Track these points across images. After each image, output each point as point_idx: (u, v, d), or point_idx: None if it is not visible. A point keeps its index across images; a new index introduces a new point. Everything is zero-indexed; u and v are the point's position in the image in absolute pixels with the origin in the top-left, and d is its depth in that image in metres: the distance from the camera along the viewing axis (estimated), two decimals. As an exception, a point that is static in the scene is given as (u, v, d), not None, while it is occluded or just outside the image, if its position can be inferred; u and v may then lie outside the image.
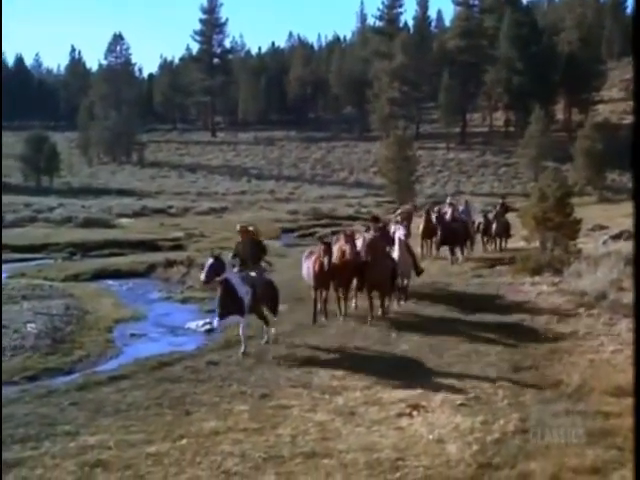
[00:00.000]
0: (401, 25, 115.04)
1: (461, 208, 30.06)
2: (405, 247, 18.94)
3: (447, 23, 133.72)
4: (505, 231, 30.97)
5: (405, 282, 19.61)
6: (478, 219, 31.10)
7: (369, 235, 18.02)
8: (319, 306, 17.69)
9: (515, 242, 30.07)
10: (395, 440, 9.66)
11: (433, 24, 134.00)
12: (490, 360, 13.69)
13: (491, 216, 31.20)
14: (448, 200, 30.50)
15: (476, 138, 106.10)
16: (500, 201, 33.97)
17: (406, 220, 21.41)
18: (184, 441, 9.65)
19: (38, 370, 13.88)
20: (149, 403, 11.40)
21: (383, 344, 15.31)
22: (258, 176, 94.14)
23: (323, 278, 17.29)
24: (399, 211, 23.39)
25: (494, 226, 30.47)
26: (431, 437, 9.72)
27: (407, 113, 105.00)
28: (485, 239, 31.29)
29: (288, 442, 9.63)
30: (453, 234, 27.16)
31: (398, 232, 18.72)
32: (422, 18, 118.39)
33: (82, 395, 11.91)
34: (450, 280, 23.31)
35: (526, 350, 14.52)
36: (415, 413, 10.74)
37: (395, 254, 18.44)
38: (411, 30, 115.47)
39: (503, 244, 31.12)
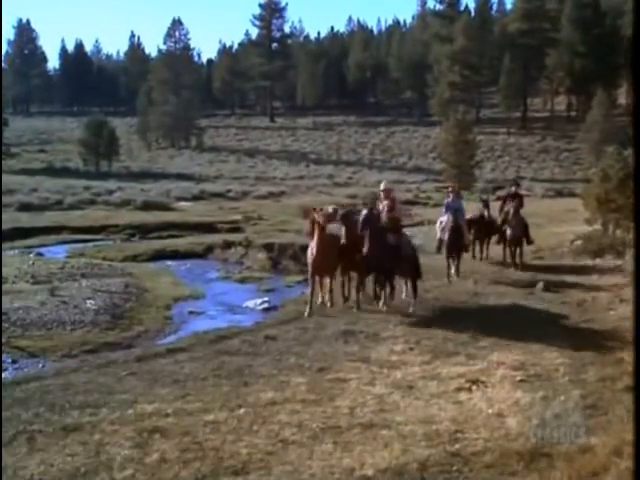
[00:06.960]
0: (462, 8, 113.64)
1: (447, 201, 21.77)
2: None
3: (508, 6, 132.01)
4: (525, 234, 22.03)
5: None
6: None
7: None
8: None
9: (577, 226, 29.18)
10: (454, 413, 9.56)
11: (494, 7, 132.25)
12: (551, 338, 13.49)
13: (487, 213, 22.92)
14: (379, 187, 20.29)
15: (537, 123, 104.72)
16: (512, 188, 23.58)
17: None
18: (241, 410, 9.65)
19: (97, 344, 14.02)
20: (206, 374, 11.43)
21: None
22: (316, 161, 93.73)
23: None
24: None
25: (509, 228, 21.81)
26: (490, 411, 9.61)
27: (467, 97, 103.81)
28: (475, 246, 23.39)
29: (346, 413, 9.58)
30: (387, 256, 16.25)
31: None
32: (483, 1, 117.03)
33: (140, 366, 12.00)
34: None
35: (587, 329, 14.35)
36: (474, 388, 10.64)
37: None
38: (472, 13, 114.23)
39: (518, 255, 22.10)
